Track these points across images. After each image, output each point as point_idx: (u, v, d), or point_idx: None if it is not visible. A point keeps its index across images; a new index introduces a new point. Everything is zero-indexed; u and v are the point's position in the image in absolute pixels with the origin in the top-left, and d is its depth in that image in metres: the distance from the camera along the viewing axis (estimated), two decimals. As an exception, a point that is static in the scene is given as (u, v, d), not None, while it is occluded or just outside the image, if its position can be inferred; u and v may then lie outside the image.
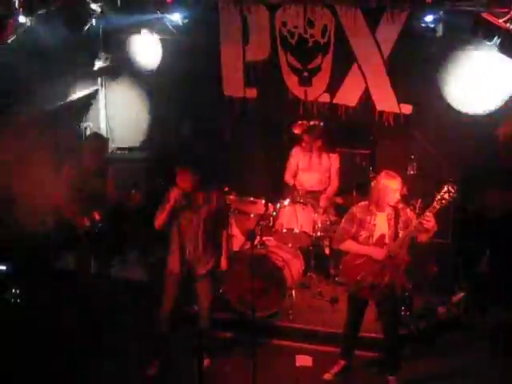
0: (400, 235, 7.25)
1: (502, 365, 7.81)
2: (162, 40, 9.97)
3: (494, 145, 9.08)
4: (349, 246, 7.45)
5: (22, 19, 8.43)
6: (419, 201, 7.37)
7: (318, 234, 9.32)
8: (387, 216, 7.33)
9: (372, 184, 7.71)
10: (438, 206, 7.01)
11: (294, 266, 8.96)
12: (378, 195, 7.31)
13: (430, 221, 7.06)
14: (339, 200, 9.57)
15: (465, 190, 8.35)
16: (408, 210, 7.38)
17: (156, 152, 10.62)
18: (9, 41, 8.33)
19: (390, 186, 7.23)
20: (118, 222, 9.00)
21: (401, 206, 7.34)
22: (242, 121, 10.47)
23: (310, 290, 9.49)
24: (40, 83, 9.28)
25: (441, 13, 8.56)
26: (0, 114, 8.89)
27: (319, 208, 9.44)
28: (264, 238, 9.15)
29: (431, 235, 7.32)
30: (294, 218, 9.00)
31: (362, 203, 7.52)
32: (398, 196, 7.27)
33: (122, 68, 10.62)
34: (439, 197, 7.00)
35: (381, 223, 7.34)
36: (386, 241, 7.29)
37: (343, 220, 7.61)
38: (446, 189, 6.99)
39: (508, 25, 7.86)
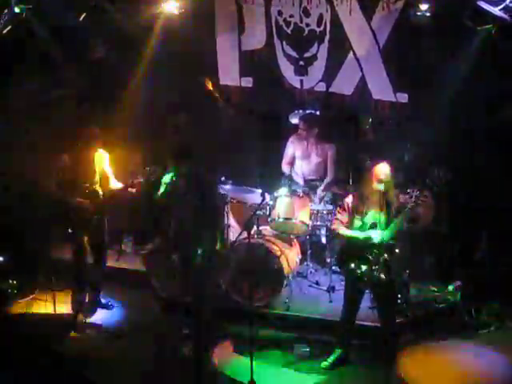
0: (393, 222, 7.28)
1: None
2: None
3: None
4: (344, 234, 7.48)
5: (16, 10, 8.42)
6: (415, 189, 7.35)
7: (315, 223, 9.35)
8: (380, 204, 7.36)
9: (366, 173, 7.72)
10: (428, 192, 7.07)
11: (290, 256, 8.97)
12: (371, 184, 7.34)
13: (426, 196, 7.12)
14: (335, 189, 9.57)
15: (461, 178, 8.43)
16: (401, 196, 7.39)
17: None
18: (4, 31, 8.32)
19: (384, 173, 7.25)
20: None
21: (394, 193, 7.36)
22: (238, 110, 10.47)
23: (307, 279, 9.52)
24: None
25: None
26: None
27: (316, 197, 9.46)
28: (261, 228, 9.16)
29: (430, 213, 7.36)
30: (291, 207, 8.99)
31: (356, 192, 7.57)
32: (391, 184, 7.28)
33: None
34: (430, 182, 7.05)
35: (374, 211, 7.37)
36: (379, 228, 7.32)
37: (337, 210, 7.66)
38: (436, 173, 7.04)
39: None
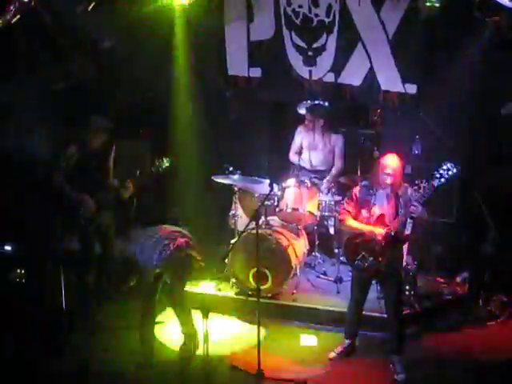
0: (400, 214, 7.26)
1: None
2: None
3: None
4: (350, 225, 7.46)
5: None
6: (424, 181, 7.34)
7: (323, 213, 9.35)
8: (387, 196, 7.34)
9: (374, 164, 7.71)
10: (436, 183, 7.05)
11: (298, 246, 8.98)
12: (378, 175, 7.33)
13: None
14: (343, 180, 9.56)
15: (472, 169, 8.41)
16: (409, 189, 7.37)
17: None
18: (12, 21, 8.32)
19: (391, 166, 7.23)
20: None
21: (403, 185, 7.35)
22: (246, 100, 10.47)
23: (315, 269, 9.52)
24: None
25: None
26: None
27: (323, 188, 9.45)
28: (268, 218, 9.16)
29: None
30: (299, 197, 8.99)
31: (363, 183, 7.55)
32: (399, 176, 7.27)
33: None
34: (438, 174, 7.04)
35: (381, 203, 7.36)
36: (386, 220, 7.30)
37: (344, 200, 7.66)
38: (445, 166, 7.03)
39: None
